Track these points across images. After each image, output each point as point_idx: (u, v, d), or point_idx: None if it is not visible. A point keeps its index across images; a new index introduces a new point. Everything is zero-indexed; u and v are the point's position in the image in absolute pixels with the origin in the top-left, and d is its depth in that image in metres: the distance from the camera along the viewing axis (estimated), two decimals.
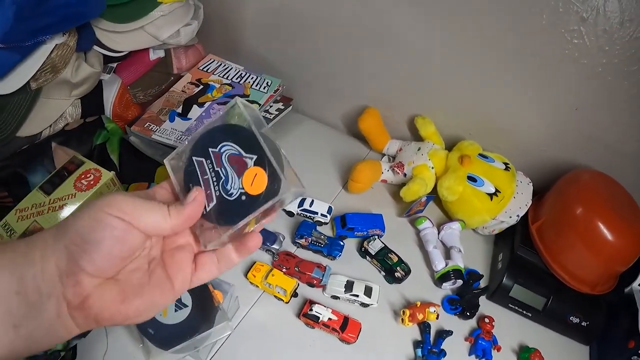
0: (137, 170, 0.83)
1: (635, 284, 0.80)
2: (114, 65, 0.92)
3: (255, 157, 0.37)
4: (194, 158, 0.39)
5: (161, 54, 0.95)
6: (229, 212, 0.37)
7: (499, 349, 0.73)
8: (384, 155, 0.99)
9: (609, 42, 0.69)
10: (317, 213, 0.81)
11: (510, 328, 0.77)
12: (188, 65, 0.98)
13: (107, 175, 0.74)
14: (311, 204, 0.82)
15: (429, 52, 0.85)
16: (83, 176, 0.74)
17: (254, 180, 0.37)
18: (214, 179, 0.38)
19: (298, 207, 0.81)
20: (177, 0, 0.88)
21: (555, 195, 0.82)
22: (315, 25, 0.93)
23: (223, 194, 0.37)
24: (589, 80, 0.74)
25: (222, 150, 0.38)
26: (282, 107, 0.95)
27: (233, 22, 1.03)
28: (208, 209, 0.38)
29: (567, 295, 0.77)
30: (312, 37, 0.96)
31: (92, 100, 0.88)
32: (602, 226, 0.72)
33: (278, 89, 0.95)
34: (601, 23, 0.68)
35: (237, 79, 0.95)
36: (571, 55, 0.73)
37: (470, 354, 0.73)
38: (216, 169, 0.38)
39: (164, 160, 0.41)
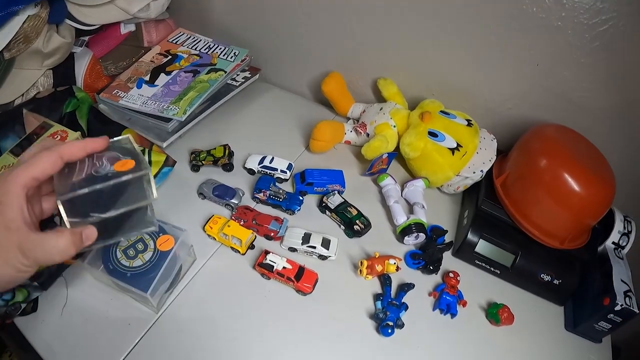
0: (103, 134, 0.84)
1: (608, 242, 0.79)
2: (86, 38, 0.94)
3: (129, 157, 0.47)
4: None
5: (132, 28, 0.97)
6: (96, 180, 0.45)
7: (464, 304, 0.72)
8: (348, 119, 1.00)
9: None
10: (276, 169, 0.81)
11: (479, 285, 0.76)
12: (158, 38, 1.00)
13: (73, 135, 0.76)
14: (271, 160, 0.82)
15: (387, 14, 0.86)
16: (50, 137, 0.76)
17: (124, 166, 0.46)
18: (89, 166, 0.47)
19: (259, 164, 0.82)
20: None
21: (519, 149, 0.81)
22: None
23: (93, 172, 0.46)
24: (549, 35, 0.74)
25: (104, 154, 0.48)
26: (249, 76, 0.96)
27: None
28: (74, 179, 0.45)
29: (537, 252, 0.76)
30: (278, 7, 0.98)
31: (63, 72, 0.91)
32: (567, 177, 0.70)
33: (245, 59, 0.97)
34: None
35: (205, 49, 0.97)
36: (528, 10, 0.73)
37: (434, 309, 0.72)
38: (94, 161, 0.47)
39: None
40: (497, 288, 0.77)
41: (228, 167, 0.83)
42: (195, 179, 0.82)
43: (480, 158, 0.82)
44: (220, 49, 0.98)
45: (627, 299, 0.68)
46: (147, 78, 0.90)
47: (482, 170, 0.81)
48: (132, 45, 0.97)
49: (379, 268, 0.70)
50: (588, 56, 0.74)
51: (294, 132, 0.96)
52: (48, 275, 0.66)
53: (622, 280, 0.72)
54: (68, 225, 0.46)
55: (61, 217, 0.46)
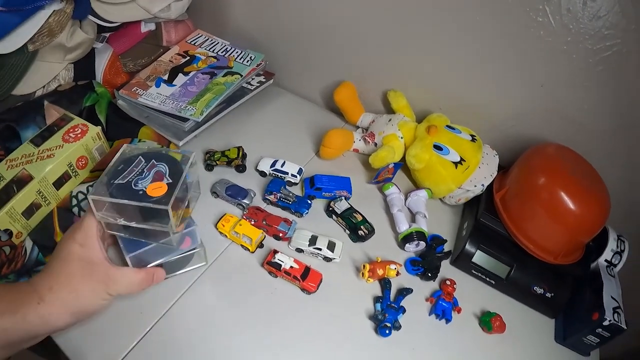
0: (122, 129, 0.88)
1: (601, 259, 0.81)
2: (107, 35, 0.97)
3: (170, 182, 0.53)
4: (140, 156, 0.55)
5: (152, 27, 1.00)
6: (125, 193, 0.51)
7: (459, 311, 0.74)
8: (357, 127, 1.03)
9: (573, 20, 0.71)
10: (287, 173, 0.84)
11: (474, 294, 0.78)
12: (177, 38, 1.03)
13: (93, 129, 0.80)
14: (283, 164, 0.85)
15: (402, 30, 0.90)
16: (71, 130, 0.79)
17: (156, 190, 0.52)
18: (138, 172, 0.53)
19: (270, 168, 0.85)
20: None
21: (519, 166, 0.83)
22: (299, 4, 0.99)
23: (133, 184, 0.52)
24: (555, 58, 0.76)
25: (157, 165, 0.55)
26: (263, 80, 1.00)
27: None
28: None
29: (531, 265, 0.78)
30: (296, 16, 1.01)
31: (84, 66, 0.93)
32: (564, 195, 0.72)
33: (260, 64, 1.00)
34: (565, 2, 0.70)
35: (222, 52, 1.01)
36: (536, 33, 0.75)
37: (430, 314, 0.74)
38: (144, 170, 0.54)
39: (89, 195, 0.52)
40: (491, 297, 0.79)
41: (241, 168, 0.86)
42: (209, 178, 0.85)
43: (482, 172, 0.85)
44: (237, 52, 1.01)
45: (615, 315, 0.70)
46: (165, 77, 0.93)
47: (483, 184, 0.84)
48: (152, 44, 1.00)
49: (380, 272, 0.73)
50: (591, 80, 0.76)
51: (304, 137, 0.99)
52: None
53: (612, 297, 0.73)
54: (97, 217, 0.53)
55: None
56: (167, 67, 0.95)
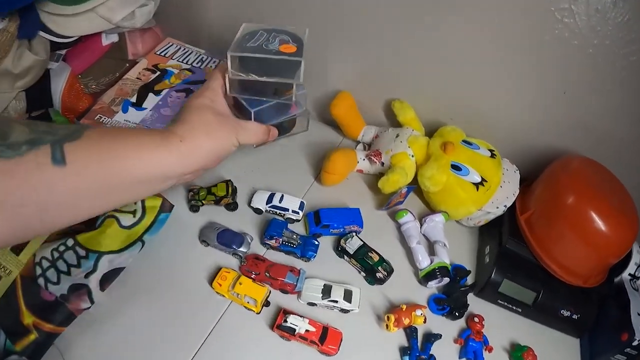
0: None
1: (625, 274, 0.78)
2: (63, 52, 0.83)
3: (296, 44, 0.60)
4: (261, 30, 0.62)
5: (115, 38, 0.86)
6: (260, 50, 0.58)
7: (490, 350, 0.69)
8: (358, 142, 0.92)
9: (601, 22, 0.65)
10: (287, 210, 0.74)
11: (500, 325, 0.73)
12: (144, 50, 0.89)
13: None
14: (281, 199, 0.74)
15: (405, 30, 0.79)
16: None
17: (287, 49, 0.59)
18: (264, 40, 0.60)
19: (267, 204, 0.74)
20: None
21: (544, 184, 0.77)
22: (283, 2, 0.85)
23: (263, 46, 0.59)
24: (579, 63, 0.71)
25: (279, 35, 0.62)
26: None
27: (193, 2, 0.94)
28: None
29: (558, 289, 0.74)
30: (280, 15, 0.87)
31: (38, 93, 0.79)
32: (595, 216, 0.68)
33: None
34: (594, 2, 0.64)
35: (197, 63, 0.87)
36: (561, 35, 0.69)
37: (461, 357, 0.68)
38: (269, 38, 0.61)
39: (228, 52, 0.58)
40: (517, 325, 0.75)
41: (232, 206, 0.75)
42: (195, 220, 0.73)
43: (503, 192, 0.77)
44: (215, 62, 0.88)
45: None
46: (133, 99, 0.79)
47: (505, 205, 0.77)
48: (116, 58, 0.86)
49: (406, 321, 0.65)
50: (615, 85, 0.71)
51: (300, 159, 0.87)
52: (35, 346, 0.57)
53: (638, 314, 0.72)
54: (230, 75, 0.59)
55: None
56: (134, 86, 0.81)
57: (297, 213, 0.74)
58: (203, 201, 0.73)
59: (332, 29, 0.84)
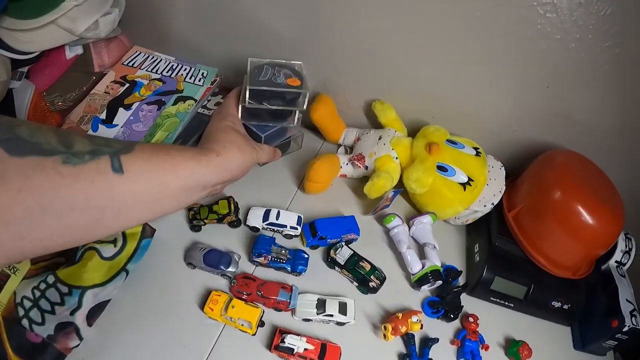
0: None
1: (611, 261, 0.81)
2: (25, 69, 0.77)
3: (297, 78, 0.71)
4: (265, 65, 0.72)
5: (79, 50, 0.80)
6: (270, 84, 0.68)
7: (486, 348, 0.70)
8: (339, 146, 0.90)
9: (584, 15, 0.64)
10: (285, 226, 0.71)
11: (493, 321, 0.75)
12: (111, 60, 0.83)
13: None
14: (277, 215, 0.72)
15: (383, 29, 0.76)
16: None
17: (292, 82, 0.69)
18: (271, 74, 0.70)
19: (263, 222, 0.71)
20: None
21: (531, 180, 0.77)
22: (255, 2, 0.81)
23: (272, 79, 0.69)
24: (562, 57, 0.70)
25: (282, 69, 0.72)
26: (221, 100, 0.83)
27: (160, 7, 0.88)
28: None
29: (548, 281, 0.75)
30: (253, 15, 0.83)
31: (1, 114, 0.73)
32: (582, 211, 0.68)
33: (215, 80, 0.83)
34: None
35: (168, 72, 0.82)
36: (543, 30, 0.67)
37: (458, 358, 0.69)
38: (274, 72, 0.71)
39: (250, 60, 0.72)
40: (510, 319, 0.76)
41: (235, 223, 0.72)
42: (179, 241, 0.70)
43: (490, 190, 0.77)
44: (186, 69, 0.83)
45: (633, 318, 0.71)
46: (103, 116, 0.74)
47: (492, 203, 0.77)
48: (81, 72, 0.80)
49: (403, 329, 0.65)
50: (598, 78, 0.71)
51: (281, 167, 0.84)
52: None
53: (627, 300, 0.74)
54: (247, 104, 0.69)
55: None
56: (103, 101, 0.76)
57: (296, 229, 0.72)
58: (205, 220, 0.70)
59: (306, 30, 0.81)
